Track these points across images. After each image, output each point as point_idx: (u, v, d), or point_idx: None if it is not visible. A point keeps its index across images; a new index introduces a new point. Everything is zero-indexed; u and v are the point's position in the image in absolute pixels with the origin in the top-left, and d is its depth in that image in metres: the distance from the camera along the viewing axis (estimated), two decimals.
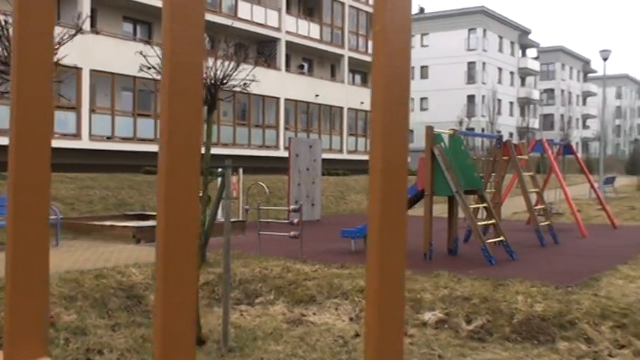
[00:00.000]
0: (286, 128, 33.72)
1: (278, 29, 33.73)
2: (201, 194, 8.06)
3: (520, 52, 73.60)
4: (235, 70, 6.75)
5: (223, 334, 7.50)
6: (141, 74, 8.20)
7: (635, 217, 22.42)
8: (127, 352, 7.15)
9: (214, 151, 24.94)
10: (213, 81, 6.70)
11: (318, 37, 36.71)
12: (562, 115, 76.86)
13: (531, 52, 77.21)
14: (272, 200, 21.36)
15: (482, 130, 55.19)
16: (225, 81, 6.68)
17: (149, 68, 7.06)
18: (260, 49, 34.56)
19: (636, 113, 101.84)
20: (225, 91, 7.63)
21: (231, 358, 7.07)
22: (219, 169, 8.42)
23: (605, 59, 32.92)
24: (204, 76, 7.03)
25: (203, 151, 7.99)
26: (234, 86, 6.93)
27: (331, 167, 31.87)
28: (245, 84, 7.38)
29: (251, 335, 8.07)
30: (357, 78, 42.86)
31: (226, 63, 6.69)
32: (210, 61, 6.76)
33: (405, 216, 1.11)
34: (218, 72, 6.72)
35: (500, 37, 68.34)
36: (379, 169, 1.07)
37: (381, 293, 1.09)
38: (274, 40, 33.88)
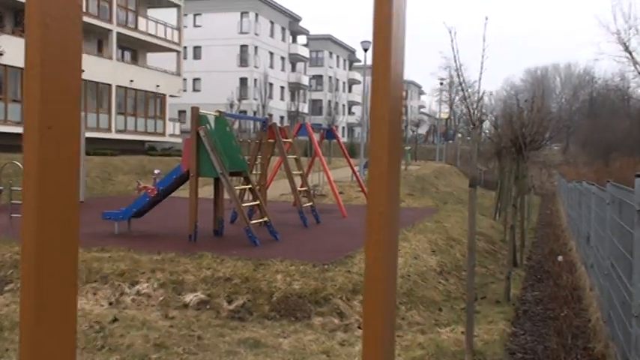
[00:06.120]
0: None
1: None
2: None
3: (291, 38, 75.62)
4: None
5: None
6: None
7: None
8: None
9: None
10: None
11: (83, 9, 34.73)
12: (329, 101, 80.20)
13: (301, 39, 79.67)
14: None
15: (254, 113, 55.98)
16: None
17: None
18: (18, 18, 32.03)
19: None
20: None
21: None
22: None
23: (365, 50, 34.82)
24: None
25: None
26: None
27: (98, 147, 30.53)
28: None
29: None
30: (127, 55, 41.34)
31: None
32: None
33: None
34: None
35: (272, 22, 69.66)
36: None
37: None
38: None
